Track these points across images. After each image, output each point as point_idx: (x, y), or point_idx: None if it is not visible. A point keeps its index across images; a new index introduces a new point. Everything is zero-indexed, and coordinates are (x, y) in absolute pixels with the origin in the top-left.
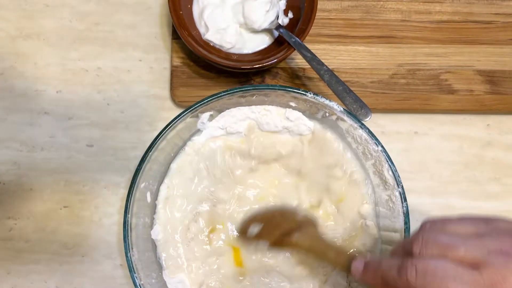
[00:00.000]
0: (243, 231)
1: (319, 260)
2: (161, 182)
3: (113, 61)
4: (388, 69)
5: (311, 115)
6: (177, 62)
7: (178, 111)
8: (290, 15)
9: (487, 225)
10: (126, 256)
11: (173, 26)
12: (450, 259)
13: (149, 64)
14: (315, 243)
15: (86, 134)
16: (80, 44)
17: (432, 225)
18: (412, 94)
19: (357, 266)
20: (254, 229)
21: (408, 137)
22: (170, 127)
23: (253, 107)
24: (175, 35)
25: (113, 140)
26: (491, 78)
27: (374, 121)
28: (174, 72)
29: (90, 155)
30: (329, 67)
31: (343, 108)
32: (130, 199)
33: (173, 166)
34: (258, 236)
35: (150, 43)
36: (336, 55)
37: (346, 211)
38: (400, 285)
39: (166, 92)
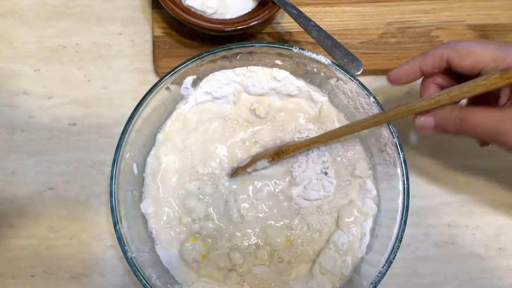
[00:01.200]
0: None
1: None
2: (147, 154)
3: (91, 36)
4: (377, 29)
5: (298, 75)
6: (159, 32)
7: None
8: None
9: None
10: (115, 228)
11: None
12: None
13: (130, 37)
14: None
15: (67, 113)
16: (57, 20)
17: None
18: (403, 52)
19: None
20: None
21: (403, 99)
22: (153, 92)
23: (237, 69)
24: (155, 5)
25: (96, 118)
26: (483, 32)
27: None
28: (156, 43)
29: (73, 134)
30: None
31: (331, 61)
32: (115, 169)
33: (159, 136)
34: (254, 160)
35: (129, 16)
36: (322, 17)
37: (341, 170)
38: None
39: (149, 65)
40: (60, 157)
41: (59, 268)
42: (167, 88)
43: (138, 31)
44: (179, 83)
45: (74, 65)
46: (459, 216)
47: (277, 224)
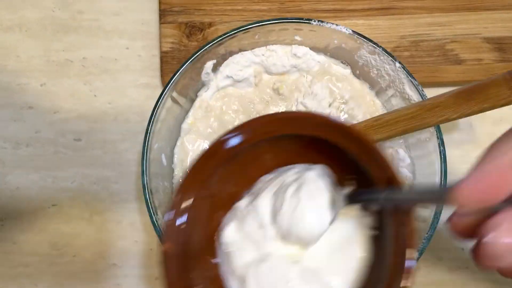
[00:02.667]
0: None
1: None
2: (174, 145)
3: (98, 51)
4: (389, 42)
5: (318, 49)
6: (167, 47)
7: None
8: None
9: None
10: (152, 219)
11: (160, 10)
12: None
13: (137, 52)
14: None
15: (73, 128)
16: (64, 34)
17: None
18: (417, 67)
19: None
20: None
21: None
22: (175, 79)
23: (256, 49)
24: (163, 19)
25: (101, 133)
26: (500, 45)
27: None
28: (163, 58)
29: (78, 150)
30: None
31: (352, 30)
32: (146, 160)
33: (184, 126)
34: None
35: (137, 30)
36: None
37: None
38: None
39: (156, 81)
40: (65, 172)
41: (61, 285)
42: (189, 77)
43: (146, 46)
44: (199, 68)
45: (81, 79)
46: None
47: None
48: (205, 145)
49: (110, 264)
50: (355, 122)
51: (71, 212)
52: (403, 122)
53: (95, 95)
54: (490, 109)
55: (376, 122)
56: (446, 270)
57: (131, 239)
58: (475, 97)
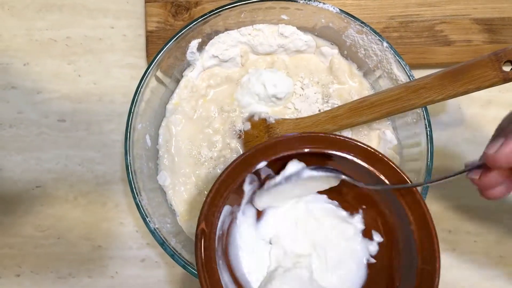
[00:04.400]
0: None
1: None
2: (159, 125)
3: (82, 29)
4: (378, 23)
5: (305, 29)
6: (152, 27)
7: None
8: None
9: None
10: (135, 201)
11: None
12: None
13: (122, 31)
14: None
15: (57, 109)
16: (47, 12)
17: None
18: (406, 48)
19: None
20: None
21: None
22: (158, 57)
23: (242, 29)
24: None
25: (86, 114)
26: (490, 26)
27: None
28: (149, 38)
29: (62, 131)
30: None
31: (339, 9)
32: (129, 140)
33: (169, 106)
34: None
35: (121, 9)
36: None
37: None
38: None
39: (141, 61)
40: (49, 154)
41: (46, 268)
42: (173, 56)
43: (131, 25)
44: (183, 47)
45: (64, 59)
46: (461, 221)
47: None
48: (190, 128)
49: (96, 246)
50: (340, 103)
51: (55, 194)
52: (389, 104)
53: (79, 75)
54: (475, 91)
55: (361, 104)
56: None
57: (116, 221)
58: (460, 78)
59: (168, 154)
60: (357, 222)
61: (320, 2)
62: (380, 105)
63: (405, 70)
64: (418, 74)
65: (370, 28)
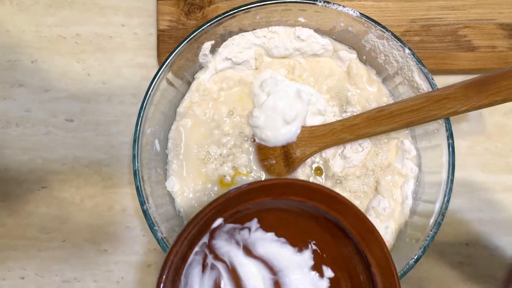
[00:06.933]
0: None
1: None
2: (168, 130)
3: (93, 27)
4: (399, 26)
5: (323, 32)
6: (164, 25)
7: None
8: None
9: None
10: (143, 208)
11: None
12: None
13: (133, 29)
14: None
15: (65, 108)
16: (57, 8)
17: None
18: (427, 52)
19: None
20: None
21: None
22: (170, 59)
23: (257, 30)
24: None
25: (94, 114)
26: None
27: None
28: (160, 37)
29: (69, 131)
30: None
31: (360, 13)
32: (138, 145)
33: (180, 110)
34: None
35: (133, 6)
36: None
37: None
38: None
39: (152, 60)
40: (56, 154)
41: (50, 271)
42: (185, 58)
43: (142, 23)
44: (196, 49)
45: (74, 57)
46: (478, 235)
47: None
48: (200, 132)
49: (101, 250)
50: (358, 109)
51: (61, 195)
52: (408, 114)
53: (88, 74)
54: (501, 103)
55: (380, 113)
56: (449, 266)
57: (122, 225)
58: (486, 89)
59: (177, 159)
60: (307, 258)
61: (339, 5)
62: (400, 115)
63: (427, 78)
64: (439, 80)
65: (392, 33)
